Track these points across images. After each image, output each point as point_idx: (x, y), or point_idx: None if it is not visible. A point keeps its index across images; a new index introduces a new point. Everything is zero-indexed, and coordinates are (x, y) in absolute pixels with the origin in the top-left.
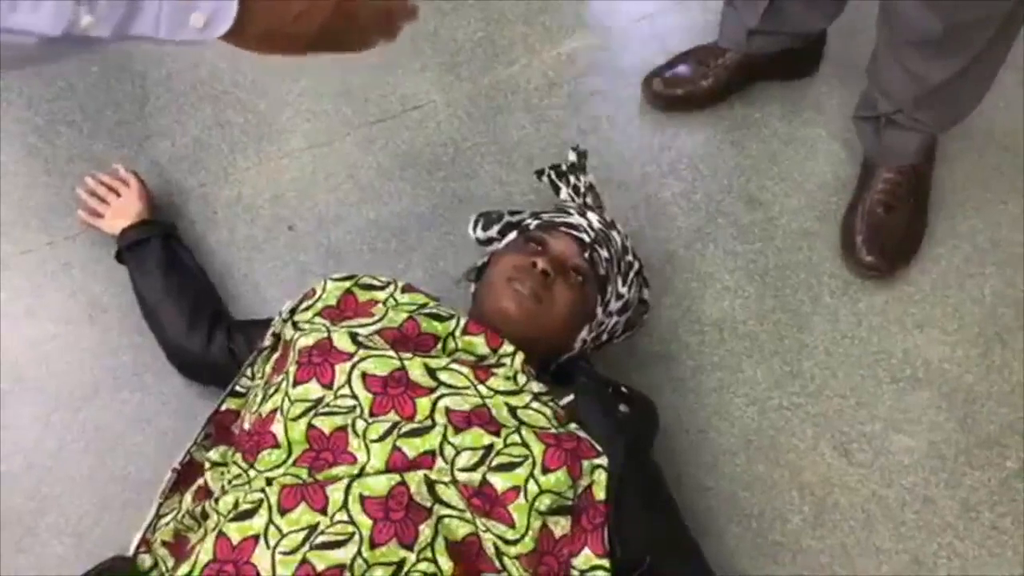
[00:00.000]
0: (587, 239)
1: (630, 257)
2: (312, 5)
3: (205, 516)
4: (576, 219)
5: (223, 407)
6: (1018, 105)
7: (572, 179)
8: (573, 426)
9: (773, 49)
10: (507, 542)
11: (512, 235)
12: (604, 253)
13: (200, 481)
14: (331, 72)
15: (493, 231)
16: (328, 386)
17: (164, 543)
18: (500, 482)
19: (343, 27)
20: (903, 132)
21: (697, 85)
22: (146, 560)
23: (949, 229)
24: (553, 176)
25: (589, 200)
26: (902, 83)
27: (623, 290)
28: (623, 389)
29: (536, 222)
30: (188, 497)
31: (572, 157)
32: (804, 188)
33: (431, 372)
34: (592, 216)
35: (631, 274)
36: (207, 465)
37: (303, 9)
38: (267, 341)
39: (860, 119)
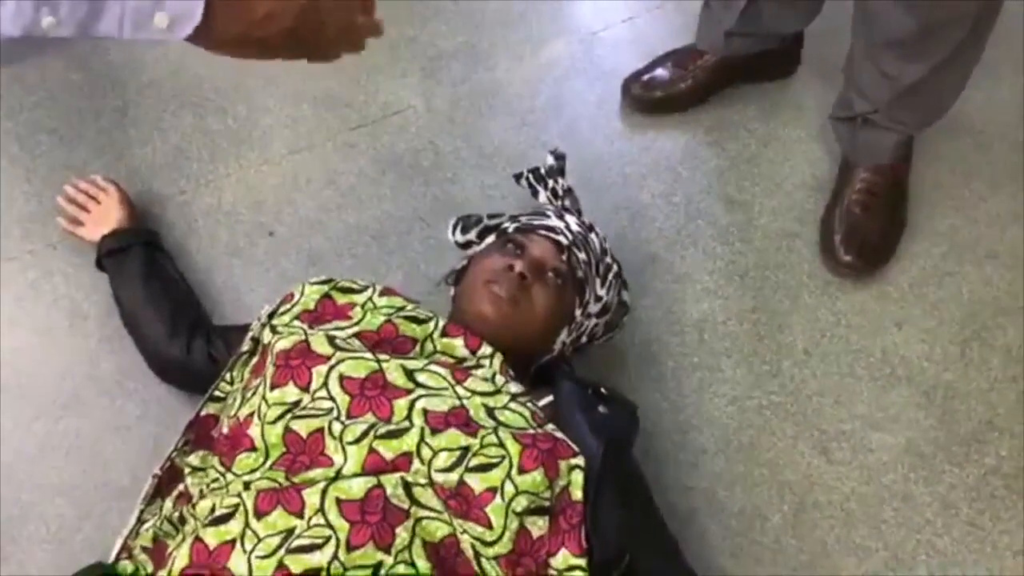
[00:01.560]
0: (565, 241)
1: (609, 259)
2: (277, 7)
3: (184, 521)
4: (554, 222)
5: (203, 412)
6: (996, 104)
7: (550, 182)
8: (551, 426)
9: (750, 51)
10: (485, 543)
11: (490, 238)
12: (582, 255)
13: (181, 486)
14: (312, 78)
15: (472, 234)
16: (305, 388)
17: (144, 548)
18: (477, 483)
19: (310, 34)
20: (880, 132)
21: (676, 87)
22: (127, 566)
23: (928, 227)
24: (532, 179)
25: (567, 203)
26: (877, 83)
27: (602, 292)
28: (603, 390)
29: (514, 225)
30: (168, 503)
31: (551, 160)
32: (783, 189)
33: (409, 374)
34: (570, 219)
35: (610, 276)
36: (187, 470)
37: (269, 11)
38: (246, 346)
39: (837, 119)
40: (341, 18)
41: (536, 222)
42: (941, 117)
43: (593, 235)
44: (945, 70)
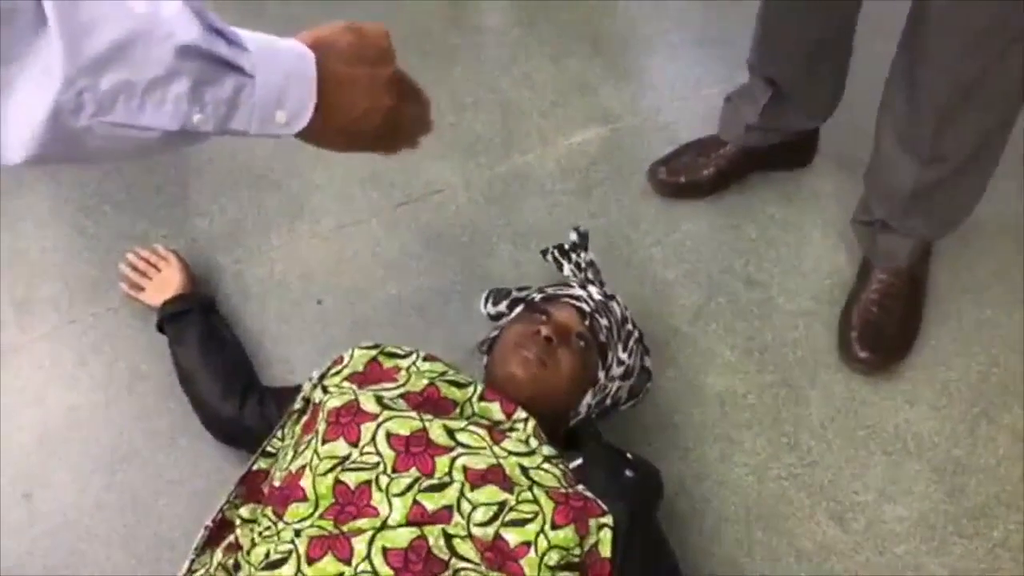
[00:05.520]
0: (587, 308)
1: (630, 326)
2: (372, 107)
3: (237, 567)
4: (577, 291)
5: (255, 467)
6: (1007, 195)
7: (574, 256)
8: (581, 487)
9: (770, 142)
10: None
11: (519, 308)
12: (604, 321)
13: (231, 537)
14: (359, 159)
15: (502, 306)
16: (354, 444)
17: None
18: (512, 537)
19: (391, 130)
20: (897, 237)
21: (699, 174)
22: None
23: (939, 310)
24: (556, 254)
25: (590, 274)
26: (890, 195)
27: (624, 356)
28: (629, 456)
29: (541, 295)
30: (219, 552)
31: (573, 236)
32: (800, 270)
33: (450, 433)
34: (592, 289)
35: (631, 341)
36: (238, 522)
37: (365, 111)
38: (297, 404)
39: (858, 223)
40: (414, 118)
41: (561, 292)
42: (957, 227)
43: (614, 303)
44: (960, 179)
